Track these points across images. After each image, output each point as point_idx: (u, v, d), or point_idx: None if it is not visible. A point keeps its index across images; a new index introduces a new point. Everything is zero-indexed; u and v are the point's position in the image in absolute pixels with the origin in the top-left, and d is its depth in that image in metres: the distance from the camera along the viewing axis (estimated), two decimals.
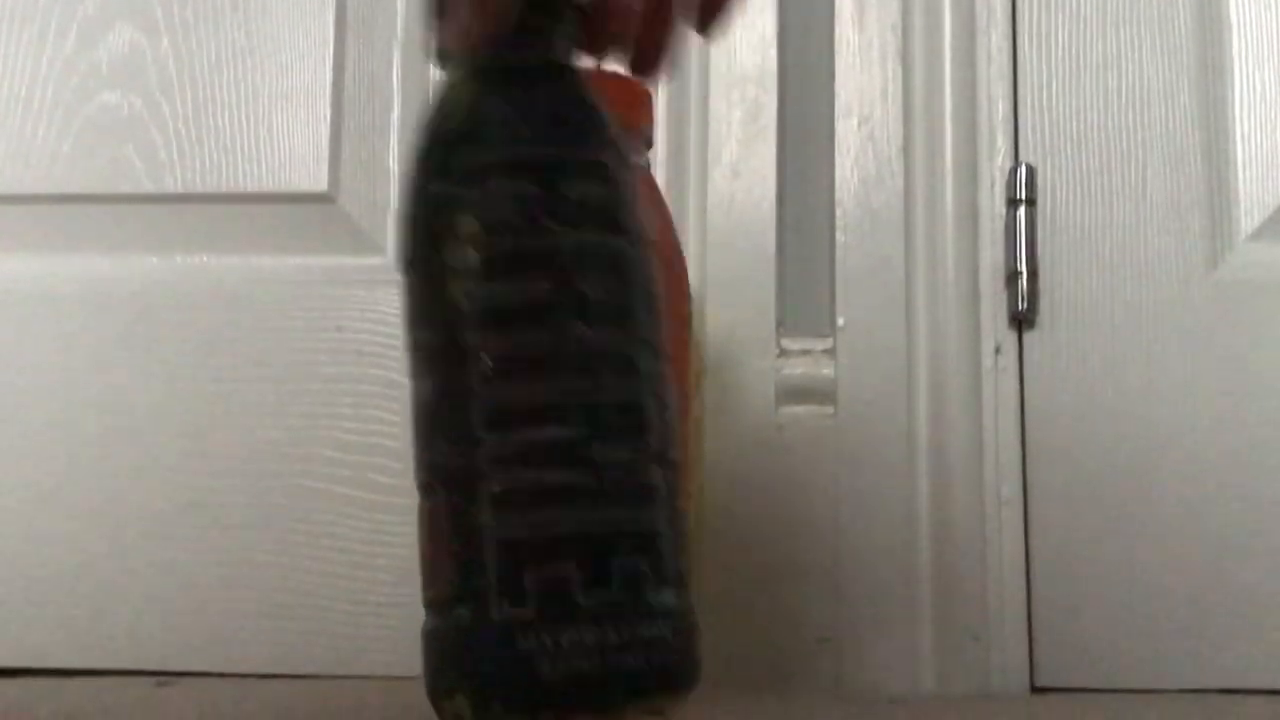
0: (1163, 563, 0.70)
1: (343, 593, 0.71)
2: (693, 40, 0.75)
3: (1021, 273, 0.72)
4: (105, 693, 0.57)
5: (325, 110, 0.78)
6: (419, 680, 0.73)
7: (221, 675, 0.69)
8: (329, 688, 0.63)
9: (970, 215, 0.73)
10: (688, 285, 0.52)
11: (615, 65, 0.44)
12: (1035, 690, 0.69)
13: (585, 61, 0.43)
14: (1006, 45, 0.75)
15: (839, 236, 0.73)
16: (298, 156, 0.77)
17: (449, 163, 0.41)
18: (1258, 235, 0.73)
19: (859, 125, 0.73)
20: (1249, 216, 0.73)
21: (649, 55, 0.44)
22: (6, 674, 0.70)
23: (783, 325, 0.72)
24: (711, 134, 0.74)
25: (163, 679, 0.66)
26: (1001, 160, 0.74)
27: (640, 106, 0.49)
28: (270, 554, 0.72)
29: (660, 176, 0.73)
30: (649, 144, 0.50)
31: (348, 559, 0.72)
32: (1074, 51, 0.75)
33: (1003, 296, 0.72)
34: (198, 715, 0.45)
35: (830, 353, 0.72)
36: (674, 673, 0.39)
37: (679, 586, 0.40)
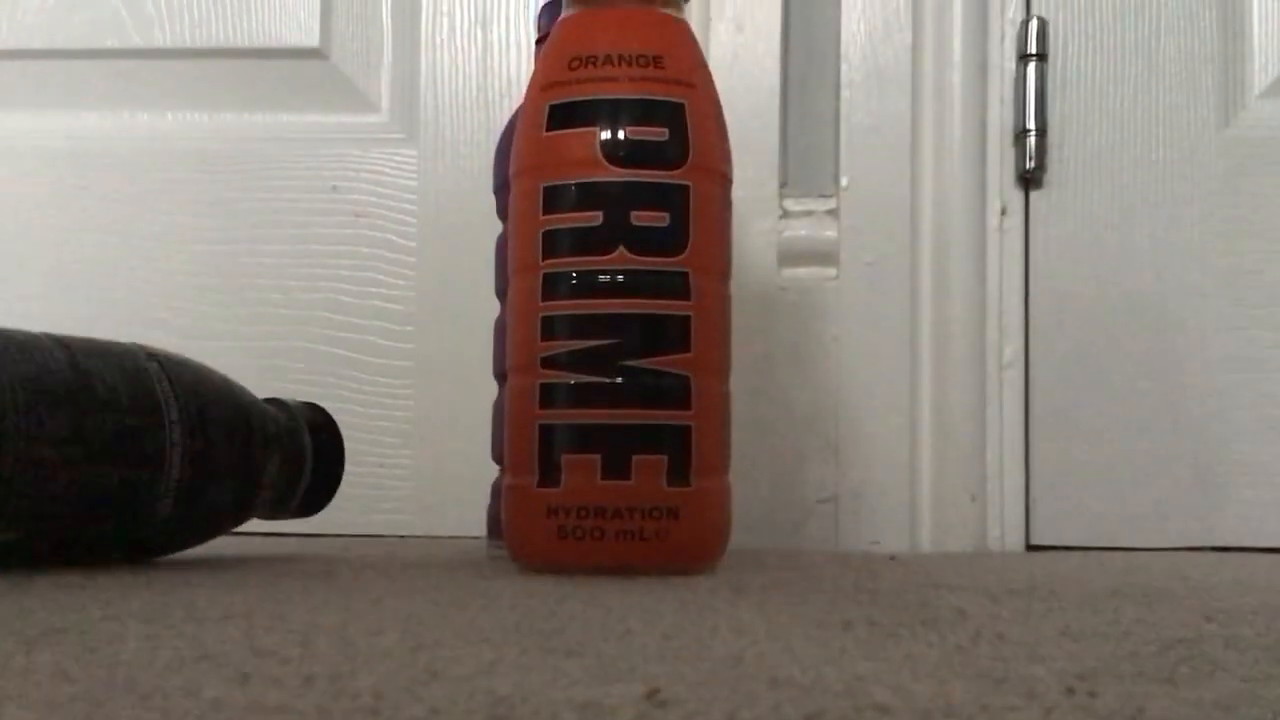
0: (1163, 423, 0.70)
1: (347, 455, 0.72)
2: None
3: (1030, 130, 0.71)
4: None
5: None
6: (424, 540, 0.74)
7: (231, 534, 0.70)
8: (334, 545, 0.64)
9: (979, 71, 0.71)
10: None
11: None
12: (1031, 548, 0.70)
13: None
14: None
15: (844, 93, 0.71)
16: (289, 10, 0.75)
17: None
18: (1270, 93, 0.72)
19: None
20: (1262, 73, 0.72)
21: None
22: None
23: (785, 185, 0.71)
24: None
25: None
26: (1013, 13, 0.72)
27: None
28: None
29: None
30: None
31: (349, 421, 0.72)
32: None
33: (1010, 155, 0.71)
34: (195, 573, 0.45)
35: (833, 213, 0.71)
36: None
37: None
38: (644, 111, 0.46)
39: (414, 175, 0.74)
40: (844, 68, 0.71)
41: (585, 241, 0.46)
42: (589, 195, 0.46)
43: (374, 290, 0.74)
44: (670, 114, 0.46)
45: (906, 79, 0.71)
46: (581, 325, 0.45)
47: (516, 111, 0.57)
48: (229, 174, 0.75)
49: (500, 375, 0.56)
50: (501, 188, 0.57)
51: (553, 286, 0.46)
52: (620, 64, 0.46)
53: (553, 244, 0.46)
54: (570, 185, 0.46)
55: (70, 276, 0.75)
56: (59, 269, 0.75)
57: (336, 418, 0.56)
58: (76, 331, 0.47)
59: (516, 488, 0.48)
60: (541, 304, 0.46)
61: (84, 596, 0.36)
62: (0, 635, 0.28)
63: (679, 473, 0.46)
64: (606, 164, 0.46)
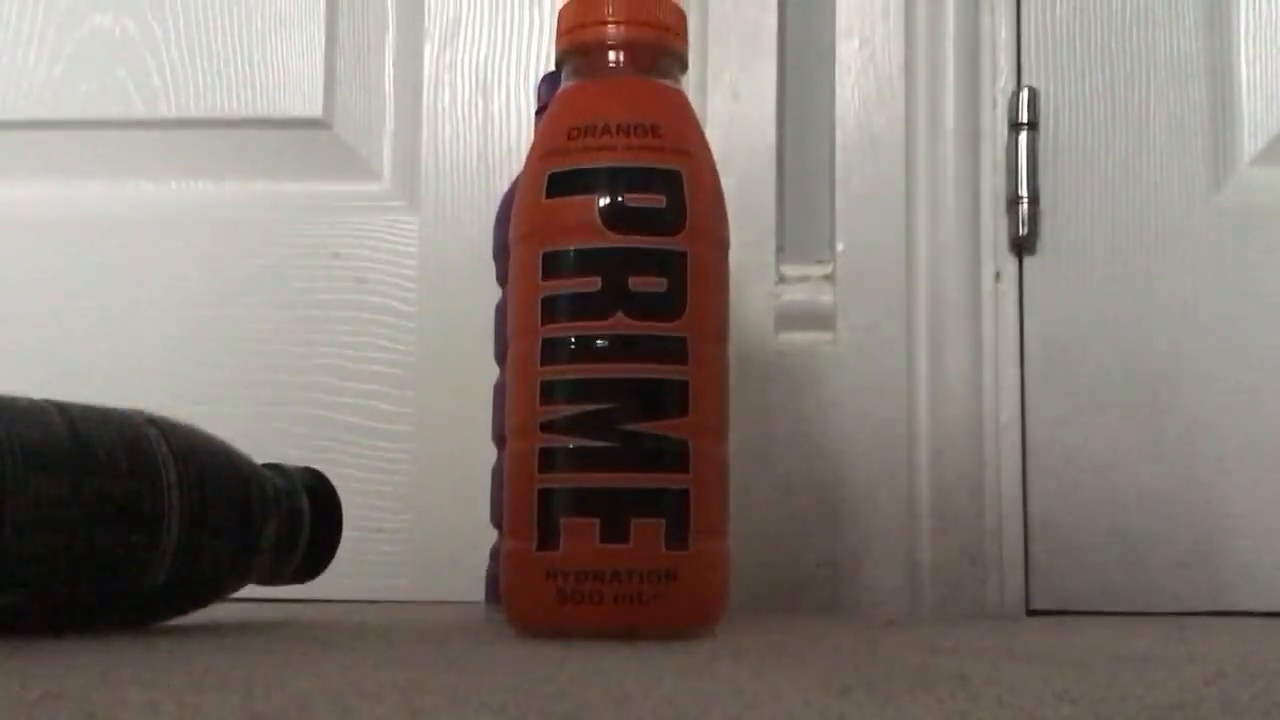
0: (1161, 487, 0.70)
1: (345, 519, 0.72)
2: None
3: (1023, 197, 0.71)
4: None
5: (319, 34, 0.77)
6: (421, 604, 0.73)
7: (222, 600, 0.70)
8: (331, 610, 0.63)
9: (972, 138, 0.72)
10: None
11: None
12: (1031, 613, 0.70)
13: None
14: None
15: (839, 159, 0.72)
16: (292, 81, 0.77)
17: None
18: (1261, 159, 0.72)
19: (860, 46, 0.73)
20: (1253, 139, 0.73)
21: None
22: None
23: (782, 250, 0.72)
24: (711, 55, 0.73)
25: None
26: (1004, 82, 0.73)
27: (682, 29, 0.51)
28: None
29: None
30: (684, 67, 0.51)
31: (349, 486, 0.72)
32: None
33: (1004, 221, 0.72)
34: (192, 638, 0.45)
35: (829, 278, 0.71)
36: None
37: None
38: (642, 179, 0.47)
39: (414, 242, 0.75)
40: (839, 134, 0.72)
41: (584, 307, 0.46)
42: (587, 261, 0.46)
43: (374, 355, 0.74)
44: (667, 181, 0.47)
45: (900, 146, 0.72)
46: (580, 390, 0.46)
47: (517, 179, 0.58)
48: (231, 241, 0.76)
49: (499, 439, 0.57)
50: (501, 253, 0.58)
51: (551, 351, 0.47)
52: (618, 134, 0.47)
53: (551, 309, 0.47)
54: (569, 251, 0.47)
55: (72, 344, 0.75)
56: (61, 336, 0.76)
57: (335, 482, 0.56)
58: (77, 398, 0.47)
59: (515, 551, 0.48)
60: (540, 368, 0.47)
61: (82, 661, 0.36)
62: None
63: (677, 535, 0.46)
64: (605, 230, 0.46)
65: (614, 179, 0.47)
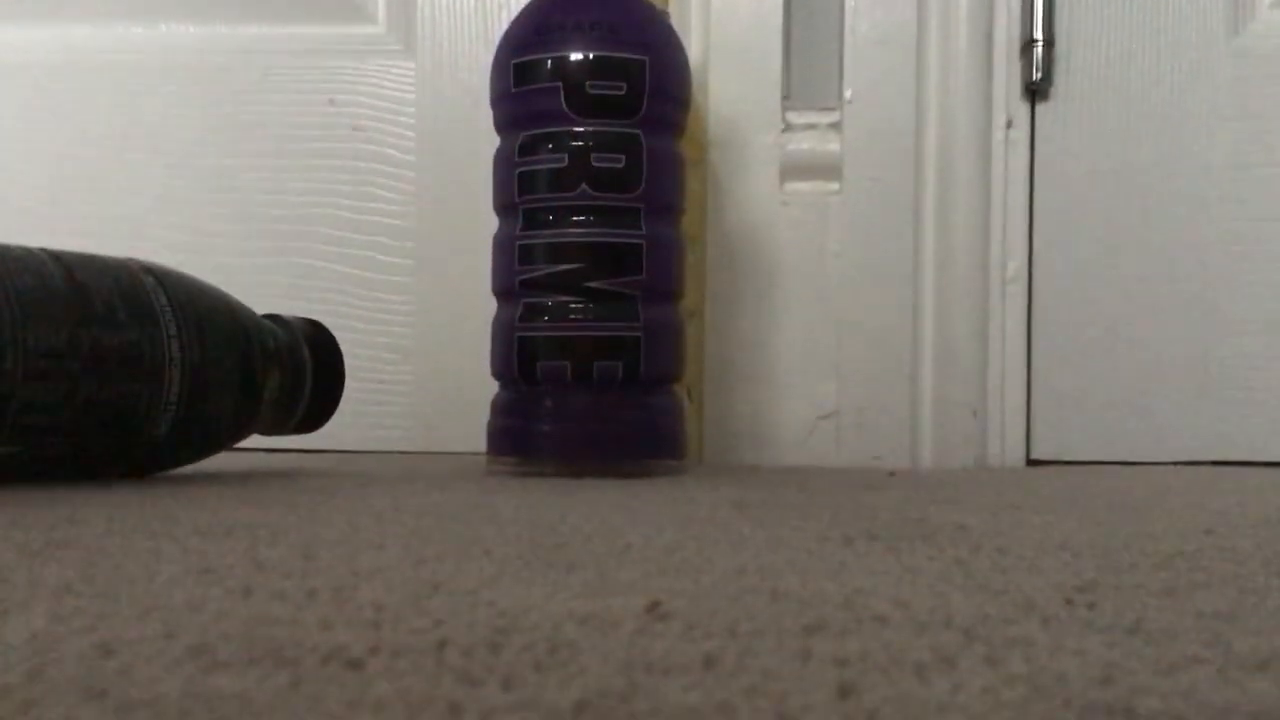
0: (1164, 338, 0.70)
1: (346, 370, 0.72)
2: None
3: (1038, 40, 0.69)
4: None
5: None
6: (424, 455, 0.74)
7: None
8: (334, 461, 0.64)
9: None
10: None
11: None
12: (1032, 463, 0.71)
13: None
14: None
15: (848, 3, 0.70)
16: None
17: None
18: None
19: None
20: None
21: None
22: None
23: (788, 98, 0.70)
24: None
25: None
26: None
27: None
28: None
29: None
30: None
31: (350, 337, 0.72)
32: None
33: (1017, 66, 0.70)
34: (198, 489, 0.46)
35: (836, 126, 0.70)
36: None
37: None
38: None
39: (412, 87, 0.73)
40: None
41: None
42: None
43: (372, 204, 0.73)
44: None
45: None
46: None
47: (513, 24, 0.57)
48: (224, 86, 0.74)
49: (499, 291, 0.57)
50: (499, 100, 0.57)
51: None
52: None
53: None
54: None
55: (65, 191, 0.74)
56: (53, 183, 0.74)
57: (336, 333, 0.56)
58: (73, 247, 0.47)
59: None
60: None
61: (86, 511, 0.36)
62: (3, 549, 0.28)
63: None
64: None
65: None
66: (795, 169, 0.70)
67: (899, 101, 0.69)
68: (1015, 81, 0.70)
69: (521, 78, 0.55)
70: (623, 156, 0.54)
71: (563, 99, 0.54)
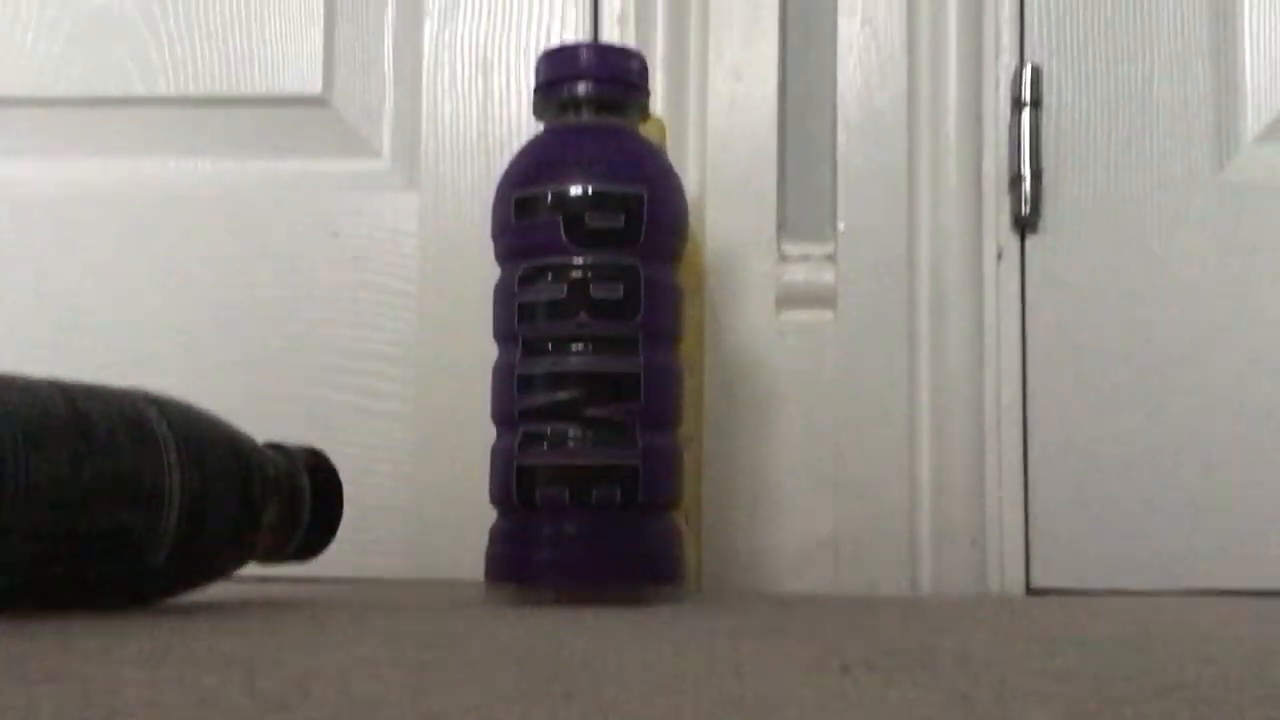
0: (1161, 466, 0.70)
1: (345, 498, 0.72)
2: None
3: (1025, 176, 0.71)
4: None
5: (318, 11, 0.76)
6: (422, 583, 0.74)
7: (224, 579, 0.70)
8: (332, 589, 0.64)
9: (974, 117, 0.72)
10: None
11: None
12: (1031, 592, 0.70)
13: None
14: None
15: (841, 138, 0.72)
16: (291, 58, 0.76)
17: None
18: (1265, 137, 0.72)
19: (862, 24, 0.72)
20: (1256, 118, 0.72)
21: None
22: None
23: (784, 229, 0.72)
24: (712, 33, 0.72)
25: None
26: (1007, 60, 0.72)
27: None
28: None
29: (659, 78, 0.72)
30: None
31: (350, 465, 0.72)
32: None
33: (1006, 200, 0.72)
34: (196, 618, 0.45)
35: (831, 257, 0.71)
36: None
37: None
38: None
39: (414, 220, 0.75)
40: (841, 113, 0.72)
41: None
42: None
43: (374, 334, 0.74)
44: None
45: (902, 125, 0.71)
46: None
47: (514, 160, 0.58)
48: (231, 220, 0.76)
49: (499, 419, 0.57)
50: (500, 233, 0.58)
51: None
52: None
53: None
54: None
55: (71, 323, 0.75)
56: (58, 315, 0.75)
57: (336, 461, 0.56)
58: (76, 377, 0.47)
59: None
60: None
61: (83, 642, 0.36)
62: (1, 679, 0.28)
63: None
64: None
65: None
66: (791, 298, 0.71)
67: (892, 233, 0.71)
68: (1005, 214, 0.72)
69: (522, 211, 0.56)
70: (621, 286, 0.55)
71: (562, 231, 0.55)
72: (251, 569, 0.54)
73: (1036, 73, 0.72)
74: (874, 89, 0.72)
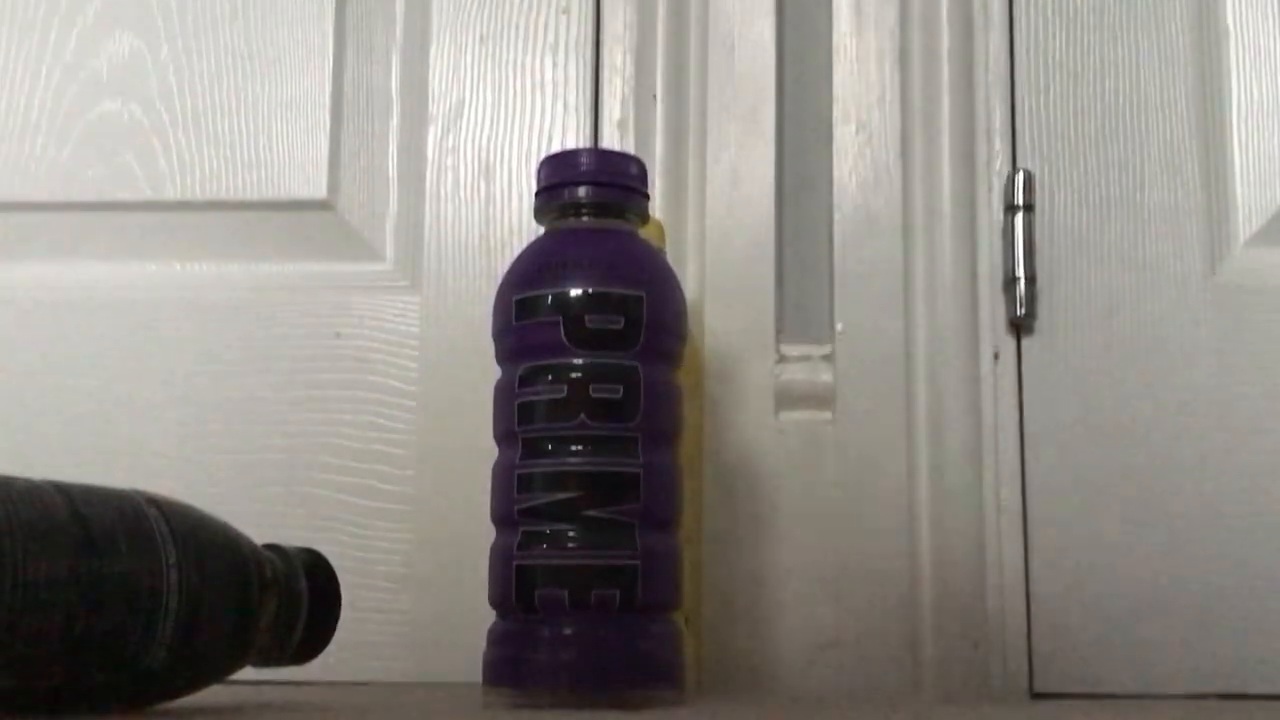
0: (1164, 568, 0.70)
1: (343, 600, 0.72)
2: (692, 45, 0.75)
3: (1019, 278, 0.72)
4: None
5: (324, 118, 0.78)
6: (420, 686, 0.73)
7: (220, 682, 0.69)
8: (330, 693, 0.63)
9: (968, 220, 0.73)
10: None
11: None
12: (1035, 696, 0.69)
13: None
14: (1004, 50, 0.75)
15: (837, 241, 0.73)
16: (297, 164, 0.78)
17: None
18: (1256, 240, 0.73)
19: (857, 130, 0.74)
20: (1247, 222, 0.73)
21: None
22: None
23: (781, 330, 0.72)
24: (710, 139, 0.74)
25: None
26: (999, 165, 0.74)
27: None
28: None
29: (658, 181, 0.73)
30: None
31: (348, 566, 0.72)
32: (1071, 57, 0.75)
33: (1001, 302, 0.72)
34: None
35: (829, 358, 0.72)
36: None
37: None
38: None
39: (416, 322, 0.76)
40: (837, 216, 0.73)
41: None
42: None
43: (374, 435, 0.74)
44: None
45: (897, 228, 0.72)
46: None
47: (515, 262, 0.59)
48: (234, 322, 0.76)
49: (498, 519, 0.57)
50: (501, 333, 0.59)
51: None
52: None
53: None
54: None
55: (73, 424, 0.76)
56: (62, 416, 0.76)
57: (334, 562, 0.56)
58: (78, 479, 0.47)
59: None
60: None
61: None
62: None
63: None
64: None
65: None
66: (790, 399, 0.71)
67: (889, 333, 0.71)
68: (1000, 315, 0.72)
69: (523, 312, 0.56)
70: (621, 387, 0.55)
71: (562, 332, 0.55)
72: (248, 672, 0.54)
73: (1029, 178, 0.73)
74: (869, 192, 0.73)
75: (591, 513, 0.54)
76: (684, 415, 0.59)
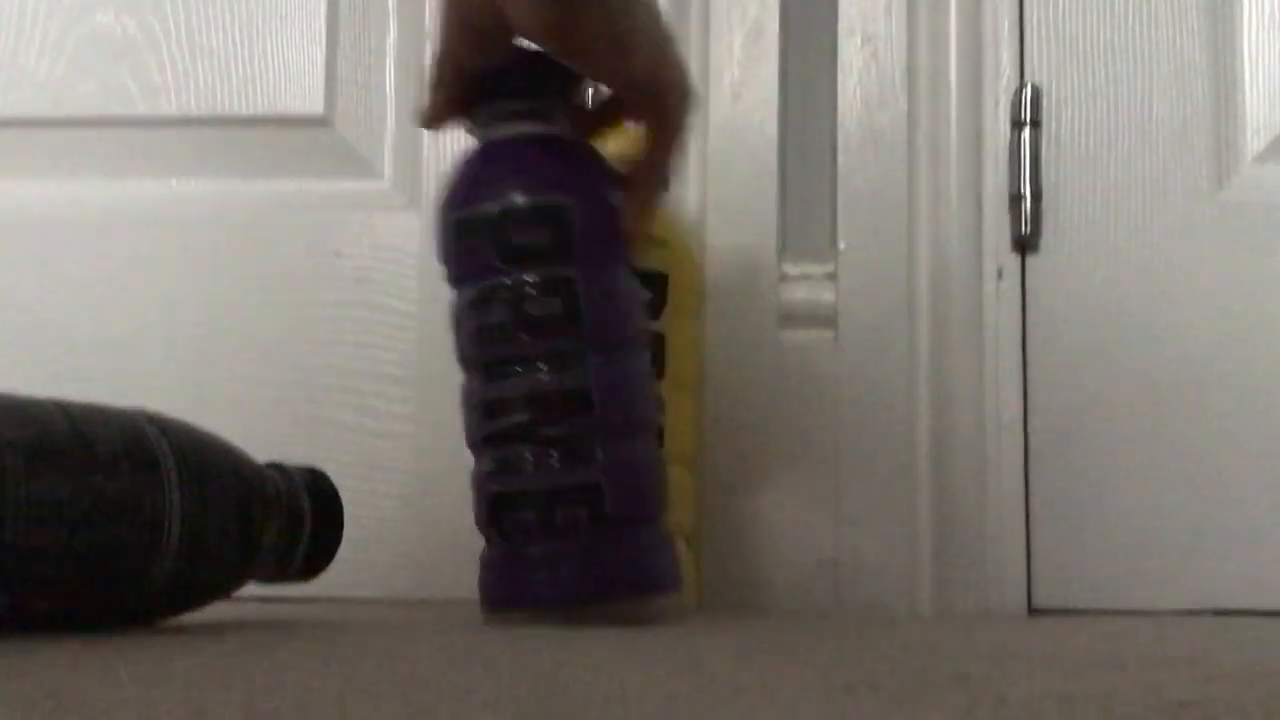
0: (1162, 485, 0.70)
1: (346, 518, 0.72)
2: None
3: (1025, 195, 0.71)
4: None
5: (321, 32, 0.77)
6: (422, 603, 0.73)
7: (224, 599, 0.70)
8: (332, 609, 0.63)
9: (974, 137, 0.72)
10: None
11: None
12: (1033, 611, 0.70)
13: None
14: None
15: (841, 159, 0.72)
16: (293, 79, 0.77)
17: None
18: (1265, 156, 0.72)
19: (862, 44, 0.72)
20: (1256, 137, 0.73)
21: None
22: None
23: (784, 250, 0.72)
24: (712, 56, 0.73)
25: None
26: (1006, 81, 0.73)
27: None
28: None
29: None
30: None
31: (351, 485, 0.72)
32: None
33: (1006, 220, 0.72)
34: (189, 635, 0.45)
35: (831, 277, 0.71)
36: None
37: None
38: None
39: (416, 240, 0.75)
40: (841, 134, 0.72)
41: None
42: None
43: (375, 354, 0.74)
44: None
45: (903, 145, 0.72)
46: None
47: (449, 180, 0.57)
48: (232, 240, 0.76)
49: (471, 446, 0.57)
50: (442, 260, 0.57)
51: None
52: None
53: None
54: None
55: (72, 342, 0.75)
56: (61, 334, 0.76)
57: (336, 480, 0.56)
58: (78, 397, 0.47)
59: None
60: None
61: (84, 661, 0.36)
62: (1, 701, 0.28)
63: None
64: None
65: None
66: (791, 318, 0.71)
67: (892, 253, 0.71)
68: (1005, 233, 0.72)
69: (457, 234, 0.54)
70: (558, 300, 0.52)
71: (493, 251, 0.53)
72: (252, 589, 0.54)
73: (1036, 93, 0.72)
74: (874, 109, 0.72)
75: (549, 432, 0.53)
76: (646, 318, 0.57)
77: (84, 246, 0.76)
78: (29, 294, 0.76)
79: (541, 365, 0.53)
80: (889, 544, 0.69)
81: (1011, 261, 0.72)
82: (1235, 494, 0.70)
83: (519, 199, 0.53)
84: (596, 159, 0.56)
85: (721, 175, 0.72)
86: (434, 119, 0.55)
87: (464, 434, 0.57)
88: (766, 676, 0.35)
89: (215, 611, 0.52)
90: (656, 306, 0.61)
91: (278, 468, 0.54)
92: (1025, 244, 0.72)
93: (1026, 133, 0.72)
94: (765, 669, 0.37)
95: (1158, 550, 0.70)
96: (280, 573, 0.54)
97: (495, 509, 0.54)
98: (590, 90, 0.57)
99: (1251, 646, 0.49)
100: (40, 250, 0.77)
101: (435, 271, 0.75)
